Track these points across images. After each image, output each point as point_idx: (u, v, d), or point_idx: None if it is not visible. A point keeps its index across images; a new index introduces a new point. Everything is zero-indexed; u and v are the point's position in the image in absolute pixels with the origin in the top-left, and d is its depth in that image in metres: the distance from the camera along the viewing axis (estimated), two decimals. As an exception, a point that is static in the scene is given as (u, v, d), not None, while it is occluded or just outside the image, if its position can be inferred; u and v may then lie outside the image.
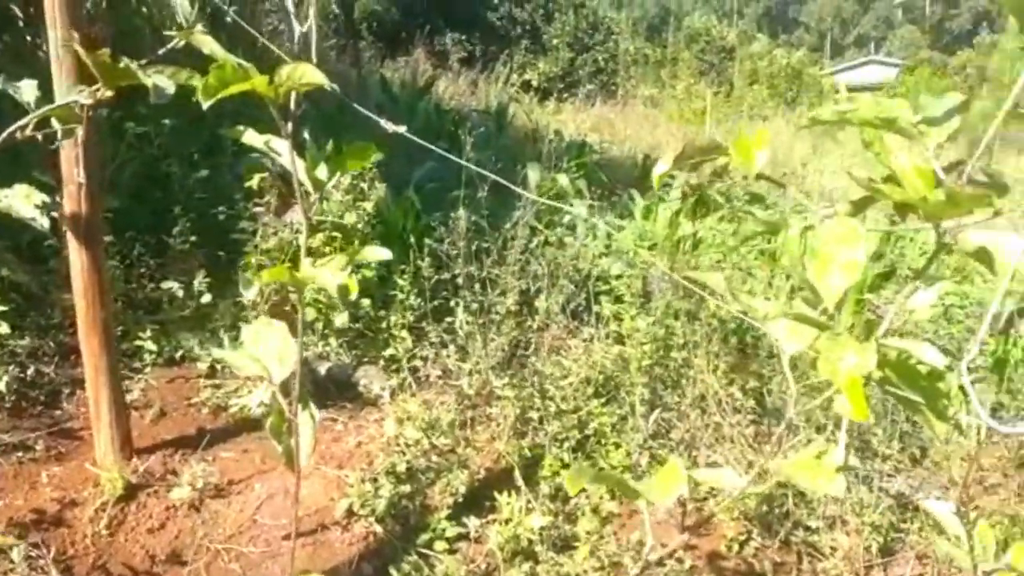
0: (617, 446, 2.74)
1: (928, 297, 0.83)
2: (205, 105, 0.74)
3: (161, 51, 0.94)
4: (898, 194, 0.77)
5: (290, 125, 0.93)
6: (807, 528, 2.54)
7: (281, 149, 0.96)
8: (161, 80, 0.85)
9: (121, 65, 0.87)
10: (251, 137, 0.99)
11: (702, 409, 2.95)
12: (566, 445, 2.63)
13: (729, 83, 19.27)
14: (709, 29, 21.10)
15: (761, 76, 20.08)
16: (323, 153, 1.08)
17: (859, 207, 0.85)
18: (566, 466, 2.61)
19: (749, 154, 0.82)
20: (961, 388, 0.71)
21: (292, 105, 0.92)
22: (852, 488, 2.57)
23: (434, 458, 2.58)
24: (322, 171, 1.01)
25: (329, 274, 0.97)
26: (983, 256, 0.75)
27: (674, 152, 0.88)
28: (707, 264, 3.81)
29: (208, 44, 0.82)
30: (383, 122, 1.95)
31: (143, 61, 0.91)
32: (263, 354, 1.07)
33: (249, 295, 1.19)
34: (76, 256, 2.17)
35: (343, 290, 0.97)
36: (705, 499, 2.76)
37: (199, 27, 0.96)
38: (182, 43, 0.95)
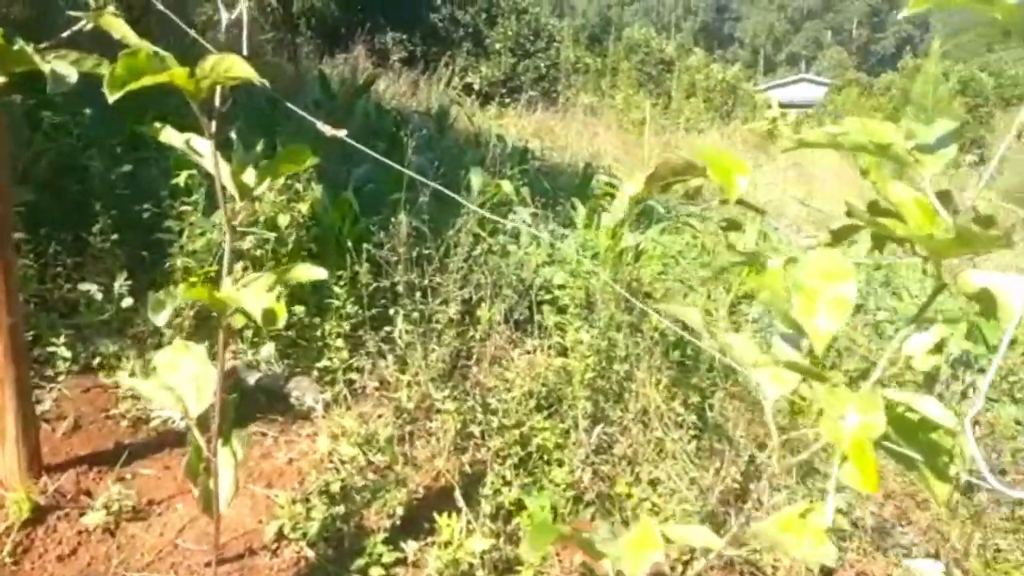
0: (560, 463, 2.67)
1: (926, 341, 0.77)
2: (111, 98, 0.63)
3: (66, 33, 0.81)
4: (901, 230, 0.71)
5: (214, 123, 0.82)
6: (751, 549, 2.52)
7: (203, 149, 0.85)
8: (62, 67, 0.72)
9: (16, 48, 0.74)
10: (170, 135, 0.88)
11: (644, 423, 2.91)
12: (508, 462, 2.54)
13: (667, 95, 19.57)
14: (648, 41, 21.40)
15: (698, 89, 20.47)
16: (252, 155, 0.97)
17: (839, 236, 0.79)
18: (508, 483, 2.53)
19: (730, 177, 0.75)
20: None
21: (217, 101, 0.81)
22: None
23: (370, 476, 2.46)
24: (250, 176, 0.91)
25: (253, 297, 0.86)
26: (985, 299, 0.69)
27: (644, 172, 0.80)
28: (649, 275, 3.78)
29: (118, 28, 0.70)
30: (320, 125, 1.83)
31: (43, 44, 0.78)
32: (178, 383, 0.95)
33: (160, 320, 1.04)
34: (-22, 256, 1.98)
35: (269, 315, 0.86)
36: (648, 516, 2.71)
37: (110, 8, 0.83)
38: (108, 28, 0.83)
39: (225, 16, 0.93)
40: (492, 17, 16.95)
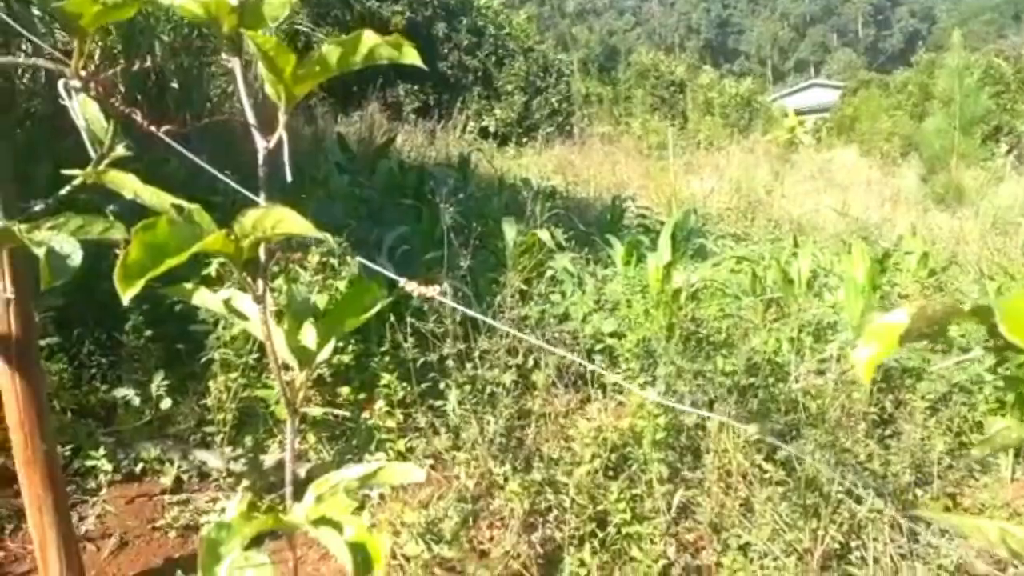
0: (639, 536, 2.45)
1: None
2: (125, 299, 0.47)
3: (63, 191, 0.66)
4: None
5: (261, 283, 0.66)
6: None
7: (249, 312, 0.70)
8: (61, 243, 0.57)
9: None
10: (205, 299, 0.72)
11: (726, 483, 2.69)
12: (587, 546, 2.33)
13: (683, 115, 19.45)
14: (658, 64, 21.36)
15: (714, 107, 20.32)
16: (308, 305, 0.80)
17: None
18: (584, 565, 2.32)
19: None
20: None
21: (262, 255, 0.65)
22: (904, 563, 2.32)
23: (437, 572, 2.27)
24: (310, 335, 0.74)
25: (334, 536, 0.66)
26: None
27: (892, 327, 0.56)
28: (711, 316, 3.57)
29: (129, 185, 0.55)
30: (405, 284, 1.67)
31: (36, 205, 0.63)
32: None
33: None
34: (7, 383, 1.85)
35: (361, 556, 0.66)
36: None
37: (119, 148, 0.67)
38: (115, 187, 0.68)
39: (246, 98, 0.77)
40: (500, 59, 17.02)
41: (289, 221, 0.60)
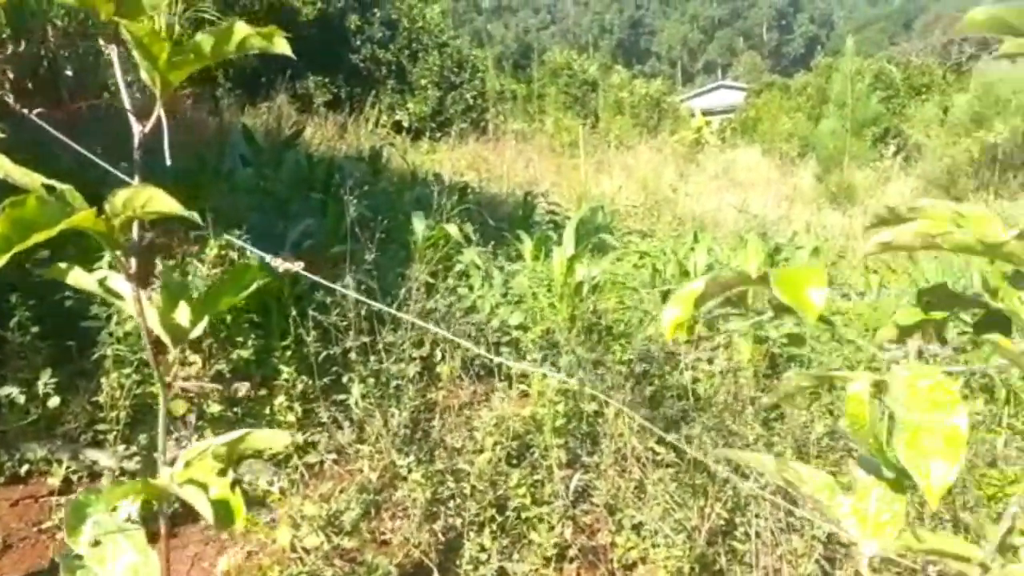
0: (539, 519, 2.52)
1: None
2: None
3: None
4: None
5: (134, 260, 0.68)
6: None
7: (123, 290, 0.71)
8: None
9: None
10: (79, 278, 0.73)
11: (621, 467, 2.80)
12: (485, 529, 2.39)
13: (594, 114, 19.80)
14: (570, 63, 21.66)
15: (624, 106, 20.77)
16: (184, 285, 0.82)
17: (906, 332, 0.67)
18: (486, 550, 2.38)
19: (801, 294, 0.60)
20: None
21: (135, 234, 0.67)
22: (783, 537, 2.47)
23: (338, 563, 2.28)
24: (183, 314, 0.76)
25: (199, 490, 0.69)
26: None
27: (691, 292, 0.66)
28: (610, 309, 3.69)
29: (2, 166, 0.56)
30: (271, 259, 1.67)
31: None
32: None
33: (80, 544, 0.80)
34: None
35: (223, 513, 0.69)
36: (635, 565, 2.59)
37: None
38: None
39: (137, 130, 0.78)
40: (414, 53, 16.91)
41: (159, 200, 0.62)
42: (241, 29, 0.74)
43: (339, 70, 15.39)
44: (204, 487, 0.70)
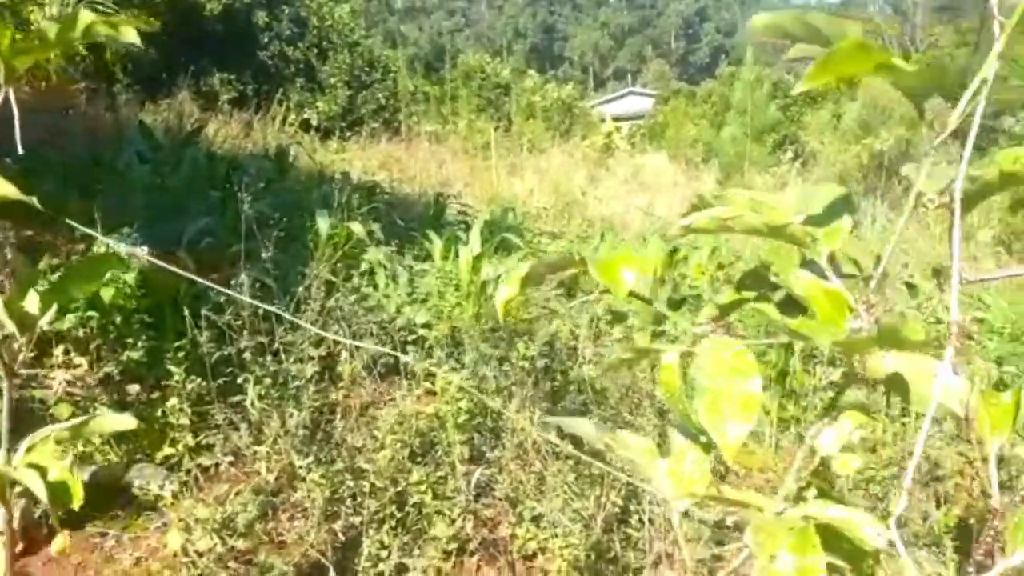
0: (440, 514, 2.53)
1: (839, 434, 0.71)
2: None
3: None
4: (815, 332, 0.65)
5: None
6: (635, 570, 2.49)
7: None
8: None
9: None
10: None
11: (522, 459, 2.84)
12: (385, 525, 2.38)
13: (508, 118, 19.92)
14: (483, 66, 21.73)
15: (536, 110, 20.98)
16: (34, 275, 0.80)
17: (726, 311, 0.73)
18: (386, 547, 2.37)
19: (615, 274, 0.67)
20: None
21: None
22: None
23: (232, 565, 2.23)
24: (32, 302, 0.74)
25: (34, 476, 0.67)
26: (898, 385, 0.64)
27: (520, 273, 0.72)
28: (514, 307, 3.73)
29: None
30: (115, 244, 1.62)
31: None
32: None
33: None
34: None
35: (59, 493, 0.68)
36: (535, 555, 2.63)
37: None
38: None
39: None
40: (324, 51, 16.61)
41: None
42: (86, 17, 0.73)
43: (246, 67, 14.97)
44: (43, 470, 0.68)
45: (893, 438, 3.24)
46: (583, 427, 0.73)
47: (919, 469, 2.99)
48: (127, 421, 0.80)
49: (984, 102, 0.60)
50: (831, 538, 0.59)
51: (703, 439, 0.63)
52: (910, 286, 5.88)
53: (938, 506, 2.83)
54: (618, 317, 3.22)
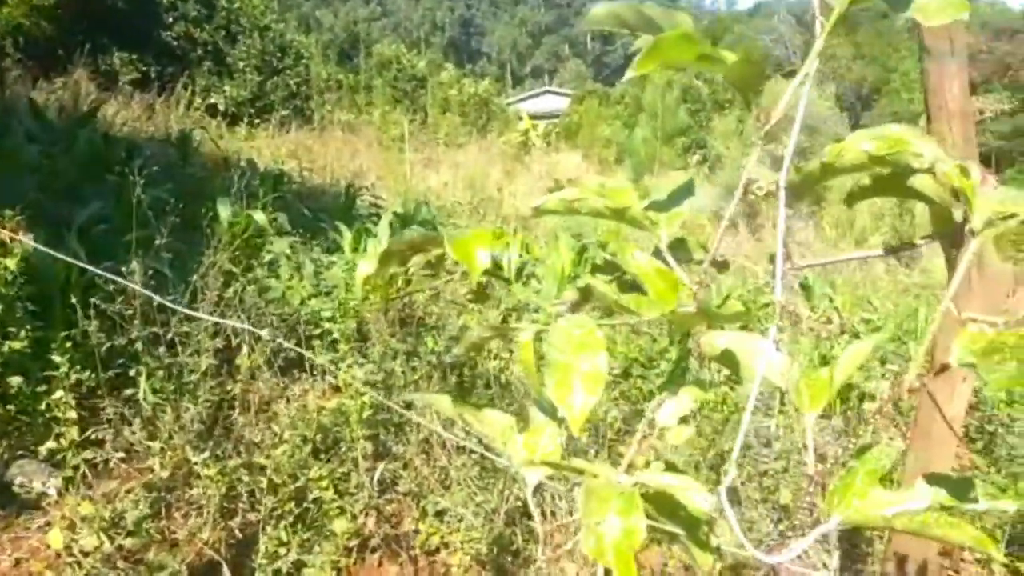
0: (342, 510, 2.50)
1: (678, 407, 0.75)
2: None
3: None
4: (645, 307, 0.69)
5: None
6: (536, 563, 2.53)
7: None
8: None
9: None
10: None
11: (427, 454, 2.84)
12: (283, 522, 2.33)
13: (423, 111, 19.80)
14: (399, 57, 21.51)
15: (452, 104, 20.94)
16: None
17: (585, 293, 0.76)
18: (285, 544, 2.33)
19: (470, 254, 0.69)
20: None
21: None
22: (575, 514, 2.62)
23: (121, 565, 2.14)
24: None
25: None
26: (729, 361, 0.69)
27: (378, 251, 0.74)
28: (422, 300, 3.72)
29: None
30: None
31: None
32: None
33: None
34: None
35: None
36: (437, 550, 2.64)
37: None
38: None
39: None
40: (232, 34, 16.05)
41: None
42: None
43: (149, 47, 14.30)
44: None
45: (786, 432, 3.41)
46: (441, 403, 0.75)
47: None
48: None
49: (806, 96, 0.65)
50: (670, 506, 0.63)
51: (559, 414, 0.66)
52: (804, 286, 6.18)
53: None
54: (480, 297, 3.27)
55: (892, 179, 0.71)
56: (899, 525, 0.61)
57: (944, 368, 0.59)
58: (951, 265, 1.33)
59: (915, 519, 0.61)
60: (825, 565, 2.38)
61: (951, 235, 0.77)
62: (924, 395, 1.78)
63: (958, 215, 0.72)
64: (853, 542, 2.86)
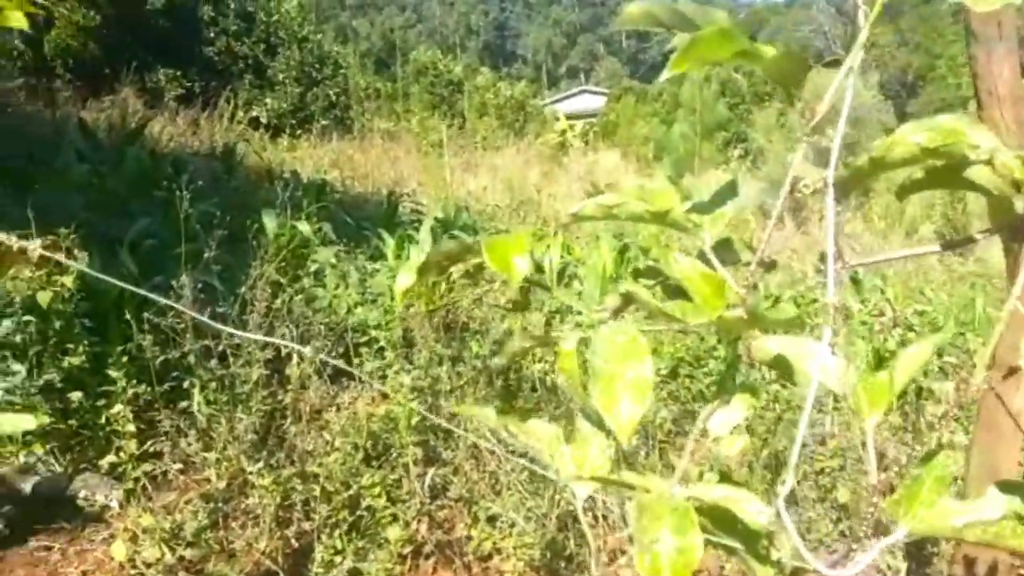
0: (395, 517, 2.52)
1: (730, 417, 0.73)
2: None
3: None
4: (690, 314, 0.67)
5: None
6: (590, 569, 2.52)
7: None
8: None
9: None
10: None
11: (476, 459, 2.84)
12: (338, 530, 2.36)
13: (461, 115, 19.89)
14: (436, 63, 21.66)
15: (489, 108, 20.99)
16: None
17: (628, 299, 0.75)
18: (340, 552, 2.35)
19: (507, 261, 0.68)
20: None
21: None
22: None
23: (181, 575, 2.19)
24: None
25: None
26: (782, 366, 0.67)
27: (417, 261, 0.74)
28: (465, 305, 3.73)
29: None
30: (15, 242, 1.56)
31: None
32: None
33: None
34: None
35: None
36: (490, 556, 2.64)
37: None
38: None
39: None
40: (272, 47, 16.34)
41: None
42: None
43: (192, 63, 14.65)
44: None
45: (842, 429, 3.34)
46: (486, 416, 0.75)
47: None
48: (26, 421, 0.79)
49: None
50: (727, 519, 0.61)
51: (606, 424, 0.65)
52: (854, 280, 6.03)
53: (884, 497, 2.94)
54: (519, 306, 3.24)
55: (946, 171, 0.68)
56: (971, 537, 0.59)
57: (1014, 371, 0.57)
58: (1013, 258, 1.28)
59: (988, 530, 0.59)
60: (889, 567, 2.32)
61: (1012, 227, 0.74)
62: (988, 391, 1.72)
63: (1019, 206, 0.68)
64: (919, 543, 2.79)
